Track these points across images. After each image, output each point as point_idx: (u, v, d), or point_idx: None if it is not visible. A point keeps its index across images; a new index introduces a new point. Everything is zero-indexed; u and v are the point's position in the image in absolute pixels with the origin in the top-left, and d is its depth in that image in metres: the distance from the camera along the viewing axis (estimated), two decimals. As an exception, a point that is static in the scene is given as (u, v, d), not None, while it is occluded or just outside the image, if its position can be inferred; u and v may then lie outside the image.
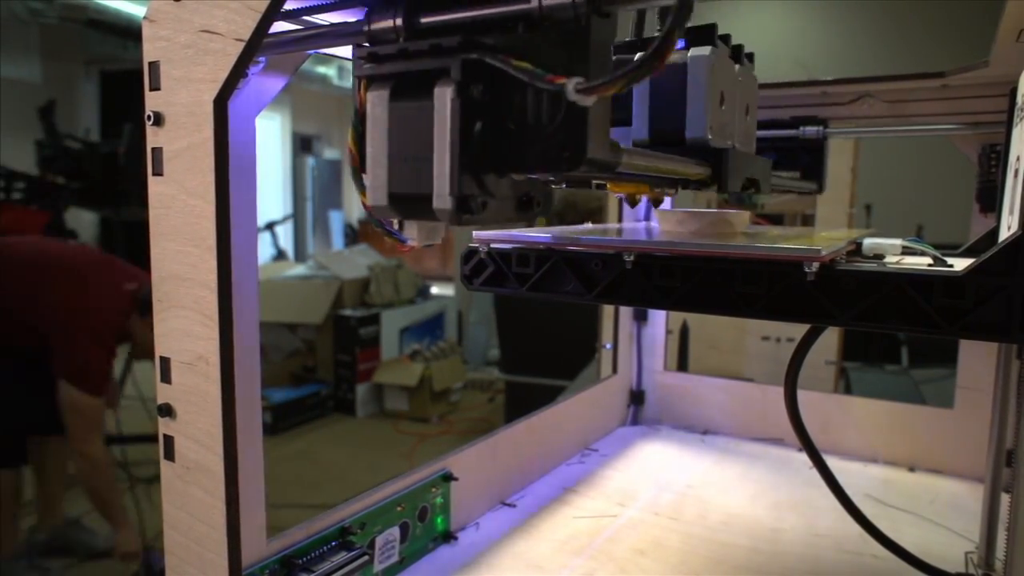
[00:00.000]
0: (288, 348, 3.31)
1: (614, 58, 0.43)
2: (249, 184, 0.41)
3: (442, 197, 0.29)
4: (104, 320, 1.64)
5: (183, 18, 0.36)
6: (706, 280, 0.40)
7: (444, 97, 0.29)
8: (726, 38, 0.43)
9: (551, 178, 0.41)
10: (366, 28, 0.32)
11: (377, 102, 0.31)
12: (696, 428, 0.96)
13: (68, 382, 1.58)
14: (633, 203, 0.51)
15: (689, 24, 0.40)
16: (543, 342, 2.63)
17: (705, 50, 0.41)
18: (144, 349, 1.79)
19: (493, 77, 0.29)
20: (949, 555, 0.60)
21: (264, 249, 5.06)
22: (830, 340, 1.80)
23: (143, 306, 1.65)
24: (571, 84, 0.26)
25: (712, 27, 0.41)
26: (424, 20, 0.31)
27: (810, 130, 0.74)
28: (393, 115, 0.31)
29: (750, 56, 0.48)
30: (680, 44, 0.41)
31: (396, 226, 0.35)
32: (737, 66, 0.45)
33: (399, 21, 0.31)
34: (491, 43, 0.29)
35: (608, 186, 0.49)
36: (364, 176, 0.32)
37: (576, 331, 2.16)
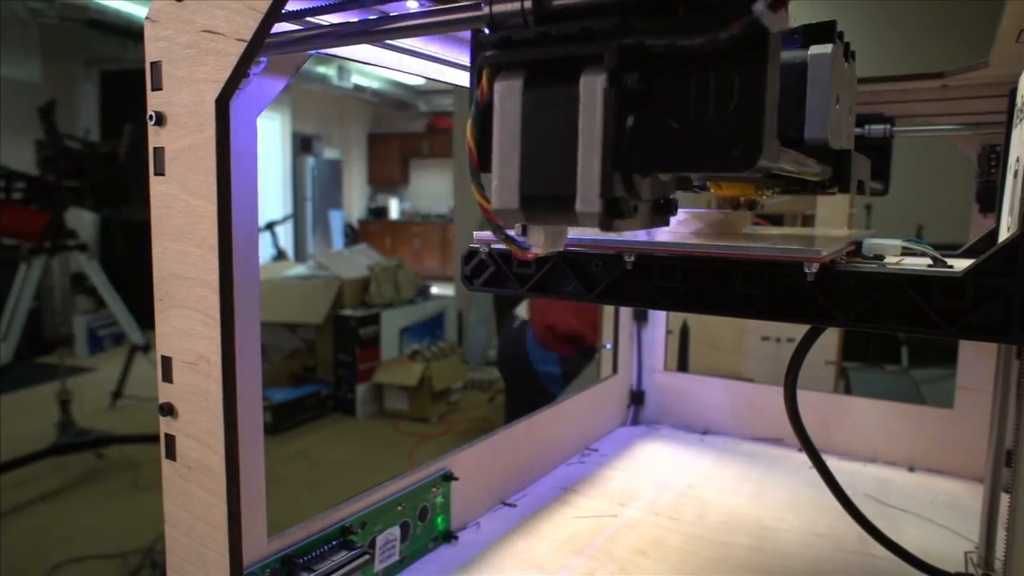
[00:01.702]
0: (288, 348, 3.31)
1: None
2: (250, 184, 0.42)
3: (588, 200, 0.26)
4: None
5: (185, 18, 0.36)
6: (706, 281, 0.40)
7: (594, 87, 0.26)
8: (841, 35, 0.41)
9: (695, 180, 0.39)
10: (487, 10, 0.28)
11: (508, 93, 0.28)
12: (696, 428, 0.96)
13: None
14: (735, 207, 0.48)
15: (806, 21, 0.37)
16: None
17: (826, 48, 0.38)
18: None
19: (649, 65, 0.26)
20: (949, 555, 0.60)
21: (264, 249, 5.06)
22: (830, 340, 1.80)
23: None
24: (759, 4, 0.23)
25: (832, 24, 0.39)
26: (557, 2, 0.27)
27: (876, 128, 0.71)
28: (528, 107, 0.28)
29: (853, 54, 0.46)
30: (797, 43, 0.39)
31: (520, 232, 0.31)
32: (846, 64, 0.44)
33: (528, 3, 0.27)
34: (644, 27, 0.26)
35: (711, 186, 0.47)
36: (486, 176, 0.29)
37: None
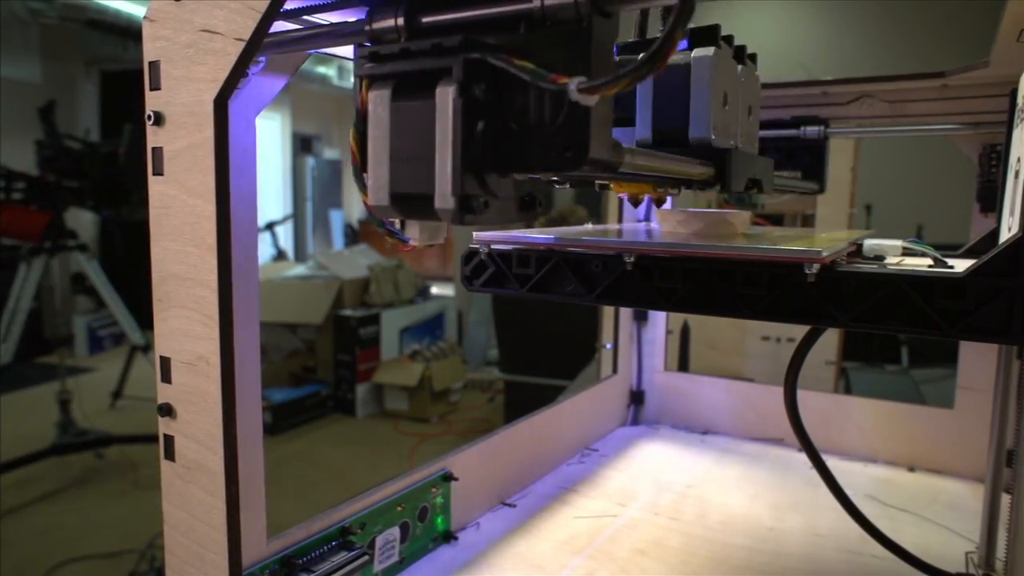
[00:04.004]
0: (288, 348, 3.31)
1: (617, 58, 0.44)
2: (249, 184, 0.41)
3: (444, 197, 0.29)
4: None
5: (183, 18, 0.36)
6: (707, 281, 0.40)
7: (446, 96, 0.29)
8: (729, 39, 0.43)
9: (554, 178, 0.41)
10: (368, 28, 0.32)
11: (379, 101, 0.31)
12: (696, 428, 0.96)
13: None
14: (636, 203, 0.51)
15: (692, 25, 0.40)
16: (543, 342, 2.62)
17: (708, 51, 0.41)
18: None
19: (495, 77, 0.29)
20: (949, 555, 0.60)
21: (264, 249, 5.06)
22: (830, 340, 1.80)
23: None
24: (573, 84, 0.26)
25: (715, 28, 0.41)
26: (425, 20, 0.31)
27: (811, 130, 0.74)
28: (395, 114, 0.31)
29: (752, 57, 0.48)
30: (683, 45, 0.41)
31: (398, 226, 0.35)
32: (740, 67, 0.46)
33: (400, 20, 0.31)
34: (493, 43, 0.29)
35: (612, 186, 0.49)
36: (365, 176, 0.32)
37: (576, 331, 2.16)
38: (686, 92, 0.41)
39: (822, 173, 0.74)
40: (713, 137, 0.41)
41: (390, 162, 0.31)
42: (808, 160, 0.74)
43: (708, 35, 0.41)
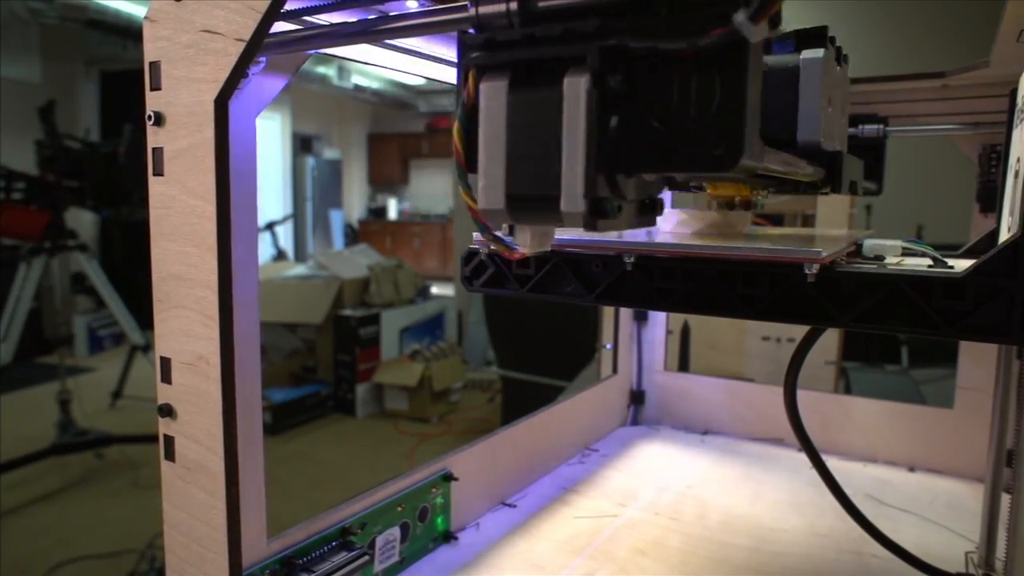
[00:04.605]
0: (288, 348, 3.31)
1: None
2: (249, 184, 0.41)
3: (573, 200, 0.27)
4: None
5: (184, 18, 0.36)
6: (707, 281, 0.40)
7: (577, 88, 0.26)
8: (832, 40, 0.42)
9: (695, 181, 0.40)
10: (474, 12, 0.29)
11: (493, 94, 0.28)
12: (696, 428, 0.96)
13: None
14: (731, 207, 0.48)
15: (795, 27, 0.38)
16: (542, 342, 2.62)
17: (819, 52, 0.39)
18: None
19: (632, 66, 0.26)
20: (949, 555, 0.60)
21: (264, 249, 5.06)
22: (830, 340, 1.80)
23: None
24: (740, 16, 0.23)
25: (824, 29, 0.40)
26: (543, 4, 0.27)
27: (870, 128, 0.72)
28: (513, 108, 0.28)
29: (846, 57, 0.47)
30: (790, 47, 0.40)
31: (507, 232, 0.32)
32: (838, 68, 0.45)
33: (513, 5, 0.27)
34: (626, 28, 0.26)
35: (707, 187, 0.48)
36: (472, 176, 0.29)
37: (576, 331, 2.16)
38: (795, 94, 0.39)
39: (880, 173, 0.72)
40: (822, 140, 0.40)
41: (507, 161, 0.28)
42: (867, 160, 0.72)
43: (816, 36, 0.40)
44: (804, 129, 0.39)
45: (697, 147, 0.26)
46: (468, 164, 0.29)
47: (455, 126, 0.29)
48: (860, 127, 0.71)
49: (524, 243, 0.31)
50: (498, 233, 0.32)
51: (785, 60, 0.40)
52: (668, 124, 0.26)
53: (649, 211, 0.31)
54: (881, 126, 0.71)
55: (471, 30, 0.29)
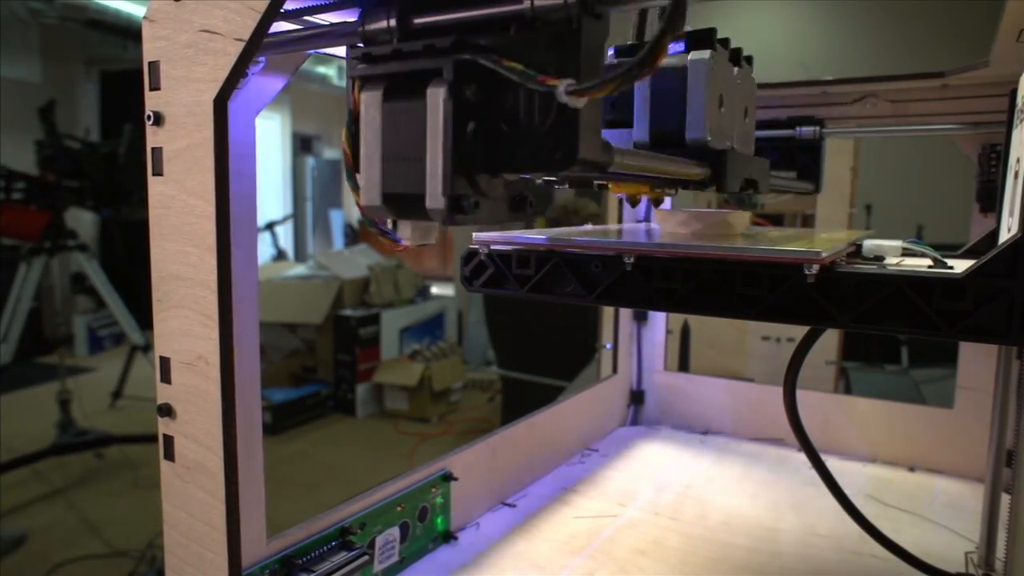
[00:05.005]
0: (288, 348, 3.31)
1: (615, 61, 0.44)
2: (249, 184, 0.41)
3: (435, 197, 0.30)
4: None
5: (183, 18, 0.36)
6: (707, 282, 0.40)
7: (437, 97, 0.29)
8: (725, 41, 0.44)
9: (552, 178, 0.41)
10: (360, 29, 0.32)
11: (371, 102, 0.31)
12: (696, 428, 0.96)
13: None
14: (634, 203, 0.51)
15: (691, 27, 0.41)
16: (542, 342, 2.62)
17: (704, 54, 0.41)
18: None
19: (486, 78, 0.29)
20: (949, 555, 0.60)
21: (264, 249, 5.06)
22: (830, 340, 1.80)
23: None
24: (562, 86, 0.26)
25: (711, 31, 0.42)
26: (417, 21, 0.31)
27: (806, 130, 0.74)
28: (386, 115, 0.31)
29: (749, 59, 0.48)
30: (681, 47, 0.42)
31: (390, 226, 0.35)
32: (736, 69, 0.46)
33: (392, 22, 0.31)
34: (484, 44, 0.29)
35: (609, 187, 0.50)
36: (358, 176, 0.32)
37: (576, 331, 2.16)
38: (682, 94, 0.42)
39: (818, 173, 0.75)
40: (709, 138, 0.42)
41: (382, 163, 0.31)
42: (804, 160, 0.75)
43: (704, 38, 0.42)
44: (692, 128, 0.42)
45: (540, 151, 0.29)
46: (355, 165, 0.33)
47: (343, 131, 0.33)
48: (797, 129, 0.74)
49: (406, 236, 0.35)
50: (383, 227, 0.35)
51: (675, 61, 0.42)
52: (516, 130, 0.29)
53: (521, 207, 0.34)
54: (817, 128, 0.74)
55: (360, 44, 0.33)
